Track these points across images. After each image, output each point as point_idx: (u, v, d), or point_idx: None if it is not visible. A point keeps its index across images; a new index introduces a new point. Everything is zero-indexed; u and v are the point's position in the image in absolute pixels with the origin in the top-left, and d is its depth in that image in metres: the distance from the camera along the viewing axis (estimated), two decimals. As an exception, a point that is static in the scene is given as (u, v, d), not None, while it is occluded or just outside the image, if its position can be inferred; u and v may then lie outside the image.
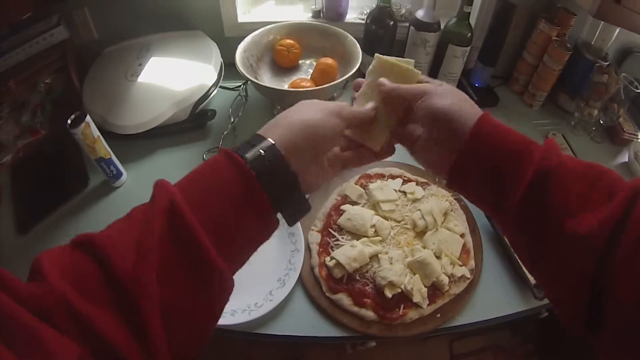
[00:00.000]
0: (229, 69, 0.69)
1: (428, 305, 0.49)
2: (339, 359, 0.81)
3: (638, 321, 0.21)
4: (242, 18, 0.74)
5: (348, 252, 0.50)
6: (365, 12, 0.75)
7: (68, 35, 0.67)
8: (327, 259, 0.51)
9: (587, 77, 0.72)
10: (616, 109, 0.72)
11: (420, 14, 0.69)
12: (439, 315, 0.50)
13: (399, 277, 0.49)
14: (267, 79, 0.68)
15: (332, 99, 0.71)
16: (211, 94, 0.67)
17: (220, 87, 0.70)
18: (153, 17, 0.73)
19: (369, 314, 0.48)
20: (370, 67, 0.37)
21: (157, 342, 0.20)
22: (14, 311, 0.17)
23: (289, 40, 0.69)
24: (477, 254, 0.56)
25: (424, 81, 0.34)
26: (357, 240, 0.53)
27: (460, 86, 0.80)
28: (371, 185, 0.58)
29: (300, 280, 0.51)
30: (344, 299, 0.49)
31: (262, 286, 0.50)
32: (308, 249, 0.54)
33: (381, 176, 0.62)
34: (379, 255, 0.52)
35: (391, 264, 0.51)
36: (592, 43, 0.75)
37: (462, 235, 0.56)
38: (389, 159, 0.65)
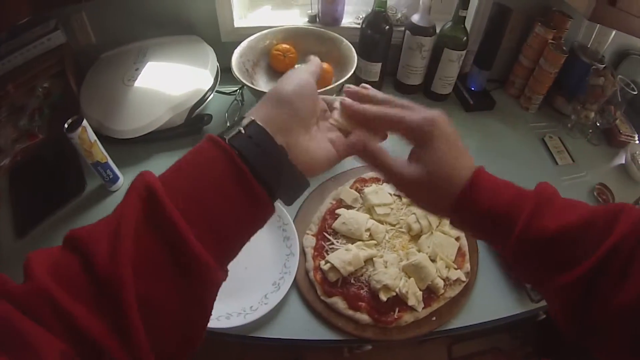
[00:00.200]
0: (225, 73, 0.69)
1: (423, 308, 0.49)
2: (337, 362, 0.81)
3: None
4: (238, 23, 0.74)
5: (343, 256, 0.50)
6: (361, 17, 0.75)
7: (65, 40, 0.68)
8: (322, 262, 0.52)
9: (583, 80, 0.72)
10: (613, 111, 0.72)
11: (415, 18, 0.69)
12: (434, 318, 0.50)
13: (393, 280, 0.49)
14: (263, 84, 0.69)
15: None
16: (207, 98, 0.67)
17: (217, 91, 0.70)
18: (150, 22, 0.73)
19: (364, 317, 0.48)
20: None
21: (136, 335, 0.19)
22: (2, 309, 0.17)
23: (285, 45, 0.69)
24: (472, 257, 0.56)
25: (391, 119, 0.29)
26: (352, 244, 0.53)
27: (456, 90, 0.80)
28: (366, 189, 0.58)
29: (295, 284, 0.51)
30: (339, 303, 0.49)
31: (257, 290, 0.51)
32: (303, 252, 0.54)
33: (377, 180, 0.62)
34: (374, 258, 0.52)
35: (386, 267, 0.51)
36: (589, 46, 0.75)
37: (457, 239, 0.56)
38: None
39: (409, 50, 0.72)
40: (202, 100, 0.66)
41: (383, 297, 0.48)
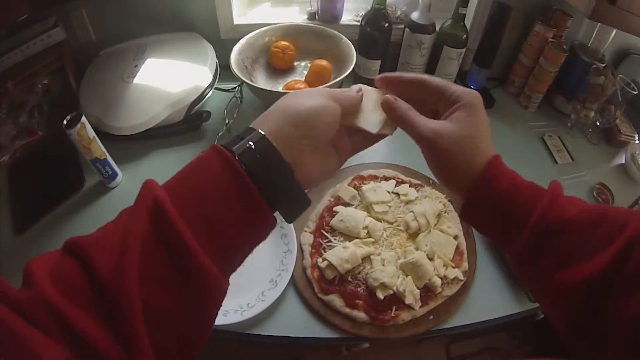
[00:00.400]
0: (224, 70, 0.69)
1: (420, 307, 0.49)
2: (335, 361, 0.81)
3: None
4: (237, 20, 0.74)
5: (340, 254, 0.50)
6: (360, 14, 0.75)
7: (65, 37, 0.68)
8: (320, 260, 0.51)
9: (583, 79, 0.71)
10: (613, 111, 0.72)
11: (415, 15, 0.69)
12: (431, 317, 0.50)
13: (391, 278, 0.49)
14: (262, 81, 0.69)
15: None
16: (206, 95, 0.67)
17: (216, 88, 0.70)
18: (150, 19, 0.73)
19: (361, 315, 0.48)
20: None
21: (140, 345, 0.19)
22: (3, 314, 0.17)
23: (284, 42, 0.69)
24: (470, 256, 0.55)
25: (444, 87, 0.30)
26: (350, 241, 0.53)
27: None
28: (364, 187, 0.58)
29: (293, 281, 0.51)
30: (336, 300, 0.49)
31: (254, 287, 0.51)
32: (300, 250, 0.54)
33: (374, 178, 0.62)
34: (371, 256, 0.52)
35: (383, 265, 0.51)
36: (589, 45, 0.74)
37: (455, 237, 0.55)
38: (382, 160, 0.66)
39: (408, 48, 0.71)
40: (201, 97, 0.66)
41: (380, 295, 0.48)
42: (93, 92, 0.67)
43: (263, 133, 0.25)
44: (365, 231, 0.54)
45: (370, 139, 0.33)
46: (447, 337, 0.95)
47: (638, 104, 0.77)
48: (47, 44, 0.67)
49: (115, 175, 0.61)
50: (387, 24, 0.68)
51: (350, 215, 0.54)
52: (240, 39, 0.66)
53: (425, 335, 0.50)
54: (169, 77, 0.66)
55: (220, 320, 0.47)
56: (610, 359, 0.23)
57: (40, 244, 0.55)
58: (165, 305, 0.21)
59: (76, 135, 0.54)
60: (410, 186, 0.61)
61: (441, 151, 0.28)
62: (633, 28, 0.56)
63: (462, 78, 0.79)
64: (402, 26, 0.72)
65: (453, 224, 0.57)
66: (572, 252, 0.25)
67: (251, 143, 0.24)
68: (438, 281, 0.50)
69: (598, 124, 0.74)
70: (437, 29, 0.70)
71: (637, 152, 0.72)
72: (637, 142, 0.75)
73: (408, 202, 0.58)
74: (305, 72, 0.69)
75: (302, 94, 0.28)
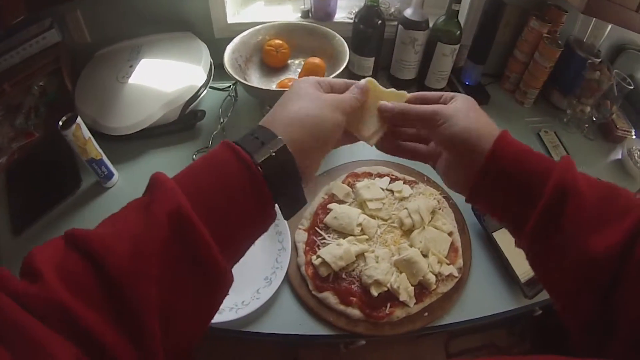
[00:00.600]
0: (219, 69, 0.70)
1: (415, 304, 0.49)
2: (335, 358, 0.81)
3: None
4: (231, 19, 0.75)
5: (334, 251, 0.50)
6: (353, 12, 0.75)
7: (61, 38, 0.68)
8: (313, 257, 0.52)
9: (579, 74, 0.71)
10: (609, 106, 0.72)
11: (408, 12, 0.69)
12: (426, 314, 0.50)
13: (384, 275, 0.49)
14: (255, 79, 0.69)
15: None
16: (201, 94, 0.67)
17: (210, 87, 0.70)
18: (144, 20, 0.73)
19: (355, 312, 0.48)
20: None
21: (154, 345, 0.20)
22: (13, 311, 0.17)
23: (277, 41, 0.69)
24: (465, 253, 0.55)
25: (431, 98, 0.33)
26: (344, 238, 0.53)
27: (450, 84, 0.79)
28: (358, 184, 0.58)
29: (287, 278, 0.52)
30: (330, 298, 0.49)
31: (249, 284, 0.51)
32: (295, 247, 0.54)
33: (369, 175, 0.62)
34: (365, 253, 0.52)
35: (377, 262, 0.51)
36: (584, 40, 0.74)
37: (450, 234, 0.55)
38: (377, 157, 0.66)
39: (402, 45, 0.71)
40: (196, 96, 0.66)
41: (374, 292, 0.48)
42: (88, 93, 0.67)
43: (284, 142, 0.25)
44: (359, 228, 0.54)
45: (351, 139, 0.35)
46: (446, 333, 0.95)
47: (634, 99, 0.77)
48: (42, 46, 0.67)
49: (111, 175, 0.61)
50: (380, 21, 0.68)
51: (344, 213, 0.54)
52: (234, 38, 0.67)
53: (420, 333, 0.50)
54: (163, 77, 0.66)
55: (215, 318, 0.46)
56: (617, 349, 0.23)
57: (38, 244, 0.55)
58: (182, 306, 0.22)
59: (72, 136, 0.54)
60: (404, 183, 0.61)
61: (451, 126, 0.29)
62: (627, 22, 0.56)
63: (456, 74, 0.79)
64: (396, 23, 0.71)
65: (448, 221, 0.57)
66: (591, 221, 0.25)
67: (273, 153, 0.25)
68: (432, 278, 0.50)
69: (594, 119, 0.74)
70: (431, 25, 0.70)
71: (633, 148, 0.72)
72: (633, 137, 0.75)
73: (402, 199, 0.58)
74: (299, 70, 0.69)
75: (308, 100, 0.29)
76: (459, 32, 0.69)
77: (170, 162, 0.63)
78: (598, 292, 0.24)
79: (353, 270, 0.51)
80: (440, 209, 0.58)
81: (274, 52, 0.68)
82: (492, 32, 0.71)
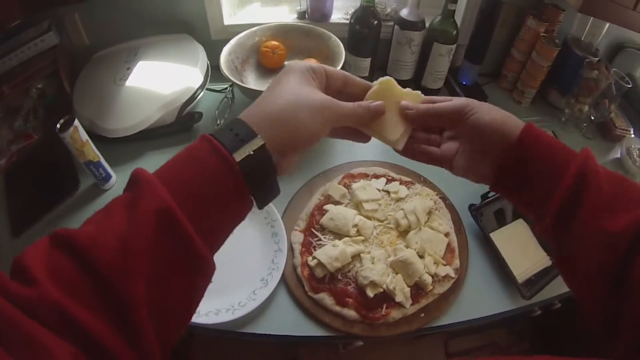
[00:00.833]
0: (216, 71, 0.70)
1: (411, 305, 0.49)
2: (334, 358, 0.81)
3: None
4: (228, 21, 0.75)
5: (330, 252, 0.50)
6: (349, 12, 0.75)
7: (59, 41, 0.69)
8: (309, 258, 0.52)
9: (577, 73, 0.71)
10: (607, 105, 0.71)
11: (404, 12, 0.69)
12: (422, 315, 0.50)
13: (380, 276, 0.49)
14: (252, 81, 0.69)
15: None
16: (197, 96, 0.67)
17: (207, 89, 0.71)
18: (142, 22, 0.74)
19: (351, 313, 0.48)
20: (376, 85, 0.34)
21: (147, 341, 0.21)
22: (10, 312, 0.18)
23: (274, 42, 0.69)
24: (462, 253, 0.55)
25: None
26: (340, 240, 0.53)
27: (447, 84, 0.79)
28: (354, 185, 0.58)
29: (283, 280, 0.52)
30: (326, 299, 0.49)
31: (245, 286, 0.51)
32: (291, 248, 0.54)
33: (365, 176, 0.62)
34: (361, 254, 0.52)
35: (373, 263, 0.51)
36: (582, 39, 0.74)
37: (446, 235, 0.55)
38: (373, 158, 0.66)
39: (398, 45, 0.71)
40: (193, 98, 0.66)
41: (370, 293, 0.48)
42: (86, 95, 0.67)
43: (263, 142, 0.26)
44: (355, 229, 0.54)
45: (353, 133, 0.34)
46: (444, 333, 0.95)
47: (633, 98, 0.77)
48: (41, 49, 0.67)
49: (109, 177, 0.62)
50: (376, 22, 0.68)
51: (340, 214, 0.54)
52: (230, 40, 0.67)
53: (416, 334, 0.50)
54: (160, 79, 0.67)
55: (212, 319, 0.48)
56: (626, 337, 0.24)
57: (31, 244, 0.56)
58: (170, 299, 0.23)
59: (69, 138, 0.55)
60: (400, 184, 0.61)
61: (482, 116, 0.30)
62: (625, 20, 0.56)
63: (453, 74, 0.79)
64: (392, 23, 0.71)
65: (444, 221, 0.57)
66: (609, 204, 0.27)
67: (252, 152, 0.25)
68: (429, 279, 0.50)
69: (592, 118, 0.74)
70: (427, 25, 0.70)
71: (632, 146, 0.71)
72: (632, 136, 0.75)
73: (398, 200, 0.58)
74: (296, 72, 0.69)
75: (305, 109, 0.27)
76: (455, 31, 0.68)
77: (168, 164, 0.64)
78: (612, 273, 0.25)
79: (349, 272, 0.51)
80: (436, 209, 0.58)
81: (271, 54, 0.69)
82: (488, 31, 0.71)
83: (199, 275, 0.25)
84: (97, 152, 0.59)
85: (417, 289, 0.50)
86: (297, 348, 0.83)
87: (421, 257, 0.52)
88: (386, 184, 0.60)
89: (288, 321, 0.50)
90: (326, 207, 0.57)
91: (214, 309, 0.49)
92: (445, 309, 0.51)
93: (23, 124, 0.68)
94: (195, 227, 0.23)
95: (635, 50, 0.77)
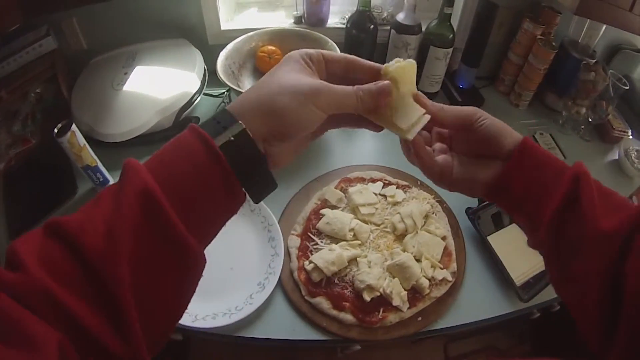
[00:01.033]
0: (213, 76, 0.70)
1: (408, 308, 0.49)
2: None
3: None
4: (225, 26, 0.75)
5: (326, 256, 0.50)
6: (346, 17, 0.75)
7: (57, 46, 0.69)
8: (306, 262, 0.52)
9: (574, 76, 0.71)
10: (605, 107, 0.71)
11: (401, 16, 0.69)
12: (420, 318, 0.50)
13: (377, 280, 0.49)
14: (249, 85, 0.69)
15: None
16: (195, 101, 0.68)
17: (204, 94, 0.71)
18: (139, 27, 0.74)
19: (348, 317, 0.48)
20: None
21: (132, 327, 0.20)
22: None
23: (270, 47, 0.69)
24: (459, 257, 0.55)
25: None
26: (336, 244, 0.53)
27: (444, 88, 0.79)
28: (351, 189, 0.58)
29: (280, 284, 0.52)
30: (323, 303, 0.49)
31: (242, 290, 0.51)
32: (288, 253, 0.54)
33: (361, 180, 0.62)
34: (358, 258, 0.52)
35: (370, 267, 0.51)
36: (579, 41, 0.74)
37: (443, 238, 0.55)
38: (370, 162, 0.66)
39: (394, 49, 0.71)
40: (190, 103, 0.67)
41: (367, 297, 0.48)
42: (84, 100, 0.68)
43: (243, 127, 0.25)
44: (352, 233, 0.54)
45: (353, 121, 0.32)
46: (444, 337, 0.94)
47: (630, 99, 0.77)
48: (39, 53, 0.68)
49: (106, 181, 0.62)
50: (372, 26, 0.68)
51: (336, 218, 0.55)
52: (227, 45, 0.67)
53: (414, 337, 0.50)
54: (158, 84, 0.67)
55: (209, 323, 0.48)
56: (621, 338, 0.24)
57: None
58: (156, 286, 0.23)
59: (67, 143, 0.55)
60: (397, 187, 0.61)
61: (491, 124, 0.31)
62: (621, 22, 0.56)
63: (450, 78, 0.79)
64: (388, 27, 0.72)
65: (441, 225, 0.57)
66: (601, 208, 0.28)
67: (232, 137, 0.25)
68: (426, 282, 0.50)
69: (590, 120, 0.74)
70: (424, 29, 0.70)
71: (630, 148, 0.71)
72: (630, 137, 0.75)
73: (395, 204, 0.58)
74: (293, 76, 0.70)
75: (290, 95, 0.26)
76: (451, 35, 0.69)
77: (165, 168, 0.64)
78: (608, 273, 0.26)
79: (346, 276, 0.51)
80: (433, 213, 0.58)
81: (267, 58, 0.69)
82: (485, 35, 0.71)
83: (183, 260, 0.24)
84: (95, 157, 0.59)
85: (414, 293, 0.50)
86: (295, 352, 0.83)
87: (418, 260, 0.52)
88: (383, 187, 0.60)
89: (285, 325, 0.50)
90: (323, 211, 0.57)
91: (210, 313, 0.49)
92: (443, 313, 0.51)
93: (21, 128, 0.69)
94: (178, 210, 0.23)
95: (633, 52, 0.77)
